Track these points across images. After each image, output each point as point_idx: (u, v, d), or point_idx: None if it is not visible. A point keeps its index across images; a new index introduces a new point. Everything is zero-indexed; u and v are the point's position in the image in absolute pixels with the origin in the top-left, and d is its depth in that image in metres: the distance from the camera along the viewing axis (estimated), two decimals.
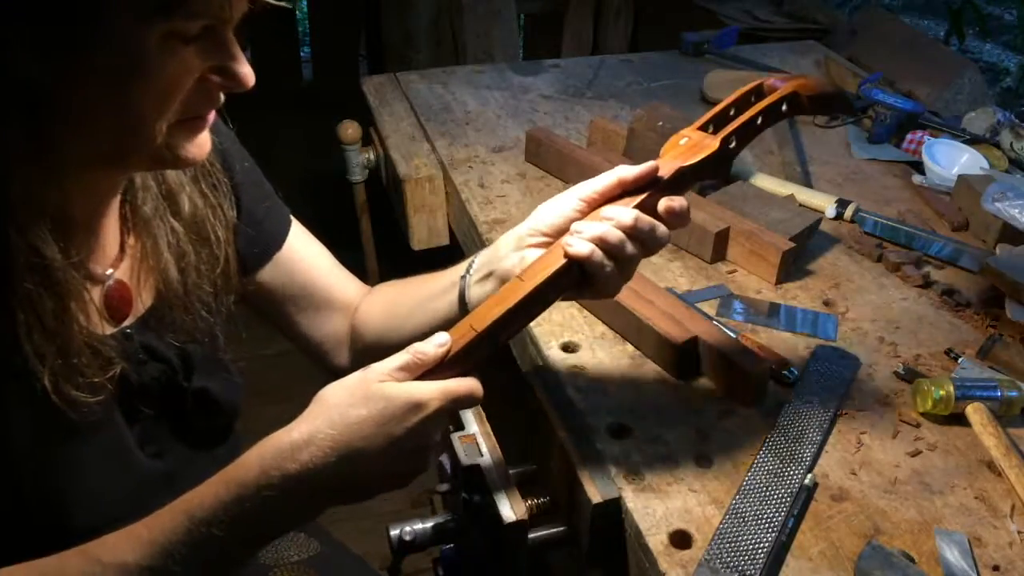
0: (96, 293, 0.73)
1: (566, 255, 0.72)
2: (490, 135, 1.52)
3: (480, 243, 1.24)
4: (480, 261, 0.84)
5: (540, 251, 0.78)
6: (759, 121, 0.78)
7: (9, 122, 0.61)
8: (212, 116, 0.69)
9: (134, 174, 0.76)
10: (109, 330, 0.74)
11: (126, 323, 0.77)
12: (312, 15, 3.75)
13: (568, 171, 1.35)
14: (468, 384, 0.69)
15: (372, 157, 1.62)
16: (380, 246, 1.86)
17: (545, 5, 3.13)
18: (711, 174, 0.78)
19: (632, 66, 1.87)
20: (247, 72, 0.65)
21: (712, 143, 0.77)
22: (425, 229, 1.47)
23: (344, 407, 0.66)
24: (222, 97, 0.67)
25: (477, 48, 2.59)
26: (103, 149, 0.65)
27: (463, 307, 0.85)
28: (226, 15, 0.61)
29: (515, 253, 0.80)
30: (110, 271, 0.76)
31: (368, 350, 0.97)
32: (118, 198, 0.76)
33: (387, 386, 0.66)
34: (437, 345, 0.69)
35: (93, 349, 0.69)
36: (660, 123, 1.33)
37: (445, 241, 1.49)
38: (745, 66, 1.86)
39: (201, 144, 0.69)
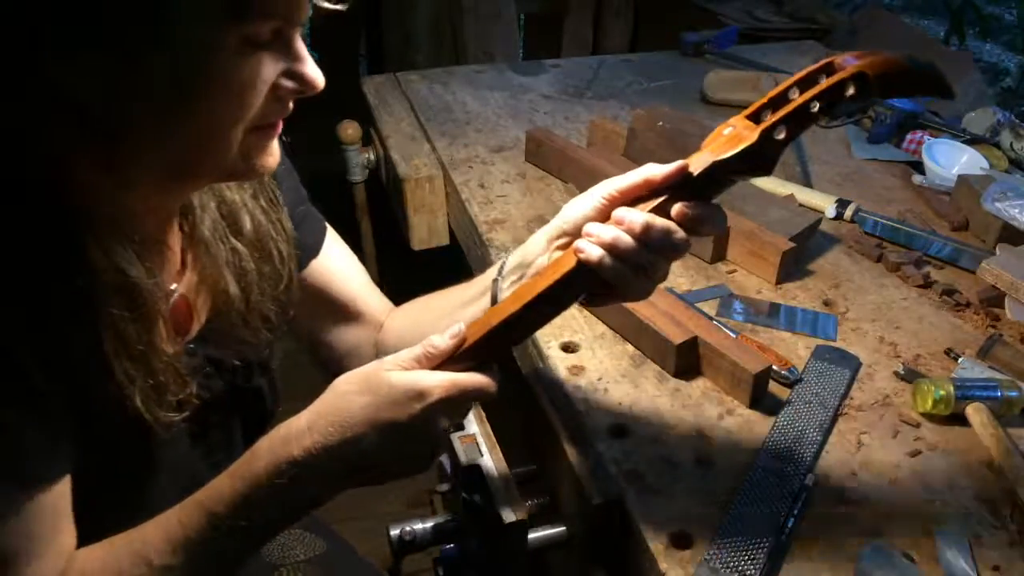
0: (164, 310, 0.73)
1: (577, 258, 0.69)
2: (490, 135, 1.52)
3: (480, 243, 1.24)
4: (512, 263, 0.81)
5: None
6: (815, 108, 0.65)
7: (88, 141, 0.61)
8: (281, 125, 0.68)
9: (192, 193, 0.75)
10: (176, 346, 0.74)
11: (188, 338, 0.77)
12: (312, 15, 3.74)
13: (568, 171, 1.35)
14: (477, 378, 0.69)
15: (372, 157, 1.62)
16: (380, 246, 1.86)
17: (545, 5, 3.13)
18: (753, 169, 0.68)
19: (632, 66, 1.87)
20: (317, 75, 0.65)
21: (751, 135, 0.67)
22: (425, 229, 1.47)
23: (349, 394, 0.66)
24: (291, 105, 0.67)
25: (477, 48, 2.59)
26: (181, 161, 0.64)
27: None
28: (295, 16, 0.61)
29: (544, 254, 0.78)
30: (174, 286, 0.75)
31: None
32: (178, 213, 0.75)
33: (393, 374, 0.67)
34: (451, 336, 0.69)
35: (174, 367, 0.70)
36: (660, 123, 1.33)
37: (445, 241, 1.49)
38: (745, 66, 1.86)
39: (273, 153, 0.68)
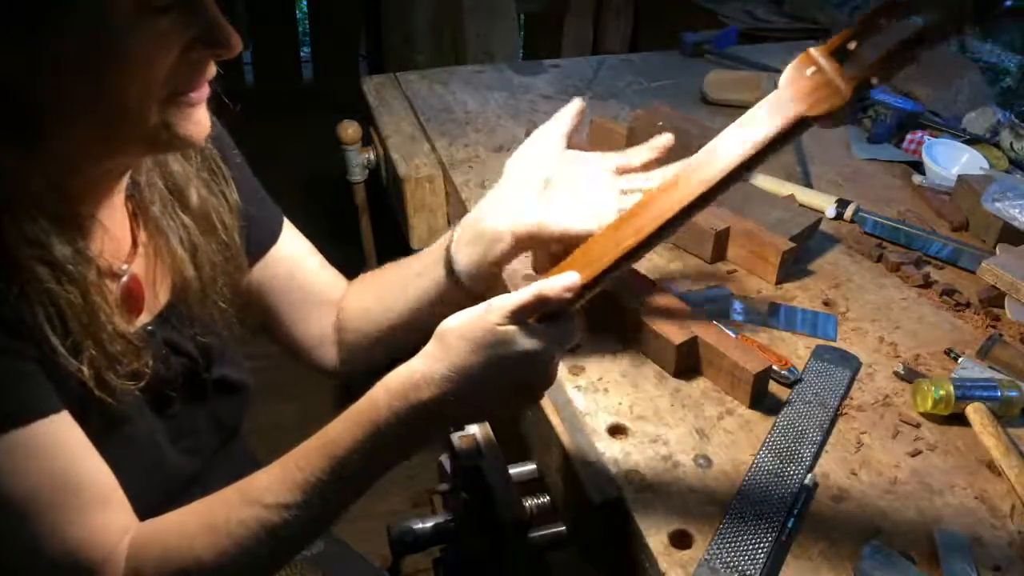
0: (113, 288, 0.74)
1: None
2: (490, 135, 1.52)
3: None
4: (465, 237, 0.83)
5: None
6: (915, 53, 0.58)
7: (2, 122, 0.60)
8: (206, 91, 0.67)
9: (138, 173, 0.76)
10: (129, 326, 0.74)
11: (146, 320, 0.77)
12: (312, 15, 3.75)
13: None
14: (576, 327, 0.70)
15: (372, 157, 1.62)
16: (380, 246, 1.86)
17: (545, 5, 3.13)
18: (836, 122, 0.63)
19: (632, 66, 1.87)
20: (231, 35, 0.63)
21: (841, 89, 0.60)
22: (425, 229, 1.47)
23: (463, 353, 0.65)
24: (213, 69, 0.66)
25: (477, 48, 2.59)
26: (97, 137, 0.64)
27: (451, 277, 0.84)
28: None
29: (512, 254, 0.80)
30: (125, 266, 0.75)
31: (355, 344, 0.96)
32: (123, 193, 0.75)
33: (503, 332, 0.65)
34: (564, 288, 0.66)
35: (124, 338, 0.70)
36: (660, 123, 1.33)
37: None
38: (745, 66, 1.86)
39: (200, 122, 0.67)
